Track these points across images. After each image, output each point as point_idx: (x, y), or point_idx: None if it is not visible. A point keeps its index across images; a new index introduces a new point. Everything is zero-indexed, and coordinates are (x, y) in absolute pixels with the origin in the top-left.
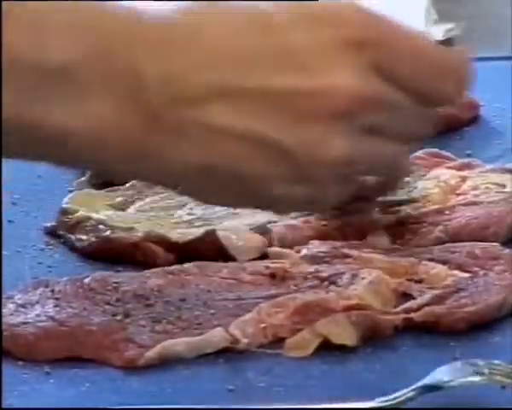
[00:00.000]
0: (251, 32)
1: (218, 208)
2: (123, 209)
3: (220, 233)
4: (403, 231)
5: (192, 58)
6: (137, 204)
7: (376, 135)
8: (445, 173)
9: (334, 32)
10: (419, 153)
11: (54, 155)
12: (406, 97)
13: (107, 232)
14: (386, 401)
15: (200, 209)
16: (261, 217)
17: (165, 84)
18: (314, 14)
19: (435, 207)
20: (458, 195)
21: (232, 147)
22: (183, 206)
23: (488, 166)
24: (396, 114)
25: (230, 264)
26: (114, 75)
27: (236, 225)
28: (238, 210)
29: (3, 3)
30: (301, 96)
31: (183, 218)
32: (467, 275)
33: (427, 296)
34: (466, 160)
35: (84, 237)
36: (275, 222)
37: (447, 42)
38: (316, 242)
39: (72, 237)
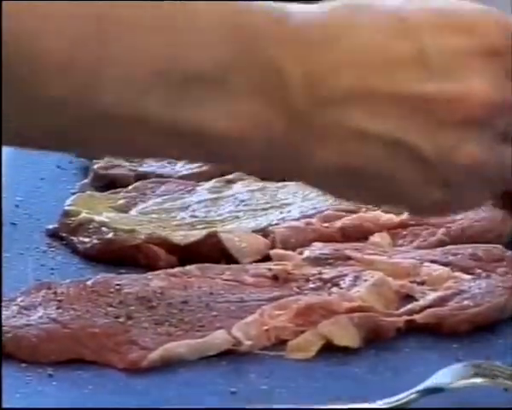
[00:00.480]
0: (389, 34)
1: (220, 211)
2: (125, 211)
3: (223, 235)
4: (405, 232)
5: (334, 60)
6: (140, 206)
7: (508, 141)
8: None
9: (470, 40)
10: None
11: (199, 153)
12: None
13: (110, 235)
14: (389, 402)
15: (202, 212)
16: (263, 219)
17: (308, 84)
18: (452, 20)
19: None
20: None
21: (371, 149)
22: (186, 208)
23: None
24: None
25: (233, 266)
26: (261, 75)
27: (239, 227)
28: (241, 213)
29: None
30: (439, 102)
31: (185, 220)
32: (469, 277)
33: (430, 298)
34: None
35: (86, 240)
36: (277, 224)
37: None
38: (318, 244)
39: (75, 239)
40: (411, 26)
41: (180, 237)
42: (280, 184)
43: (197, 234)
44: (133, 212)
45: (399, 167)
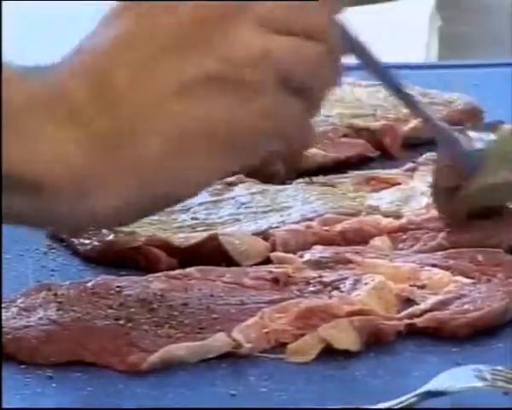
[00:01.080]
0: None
1: (221, 213)
2: None
3: (223, 238)
4: (405, 236)
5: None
6: None
7: (289, 91)
8: None
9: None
10: (421, 158)
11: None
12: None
13: (110, 236)
14: (389, 406)
15: (203, 214)
16: (264, 222)
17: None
18: None
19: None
20: None
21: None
22: (187, 210)
23: None
24: (301, 61)
25: (233, 269)
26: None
27: (239, 229)
28: (241, 215)
29: None
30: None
31: (186, 222)
32: (470, 281)
33: (430, 302)
34: None
35: (86, 241)
36: (277, 227)
37: None
38: (319, 247)
39: (75, 240)
40: None
41: (181, 239)
42: (280, 187)
43: (198, 236)
44: None
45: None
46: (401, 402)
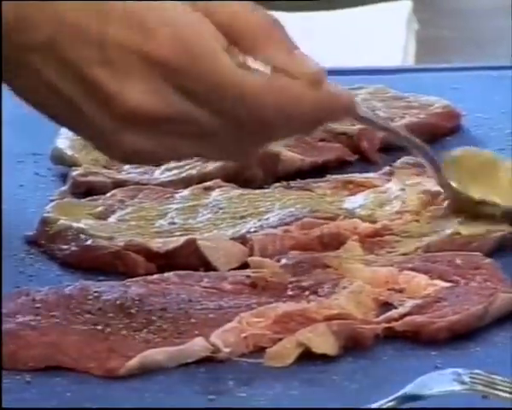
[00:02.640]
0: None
1: (199, 218)
2: (104, 218)
3: (201, 243)
4: (381, 242)
5: (46, 11)
6: (118, 213)
7: (176, 138)
8: (423, 183)
9: (142, 40)
10: (398, 162)
11: None
12: (208, 115)
13: (88, 241)
14: None
15: (181, 219)
16: (241, 227)
17: (17, 29)
18: (140, 18)
19: (412, 217)
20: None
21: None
22: (164, 215)
23: None
24: (198, 126)
25: (211, 273)
26: None
27: (217, 234)
28: (219, 220)
29: None
30: (94, 86)
31: (163, 227)
32: (448, 284)
33: (408, 306)
34: None
35: (65, 247)
36: (255, 232)
37: None
38: (295, 252)
39: (54, 246)
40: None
41: (159, 244)
42: (257, 191)
43: (176, 241)
44: (112, 219)
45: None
46: (380, 406)
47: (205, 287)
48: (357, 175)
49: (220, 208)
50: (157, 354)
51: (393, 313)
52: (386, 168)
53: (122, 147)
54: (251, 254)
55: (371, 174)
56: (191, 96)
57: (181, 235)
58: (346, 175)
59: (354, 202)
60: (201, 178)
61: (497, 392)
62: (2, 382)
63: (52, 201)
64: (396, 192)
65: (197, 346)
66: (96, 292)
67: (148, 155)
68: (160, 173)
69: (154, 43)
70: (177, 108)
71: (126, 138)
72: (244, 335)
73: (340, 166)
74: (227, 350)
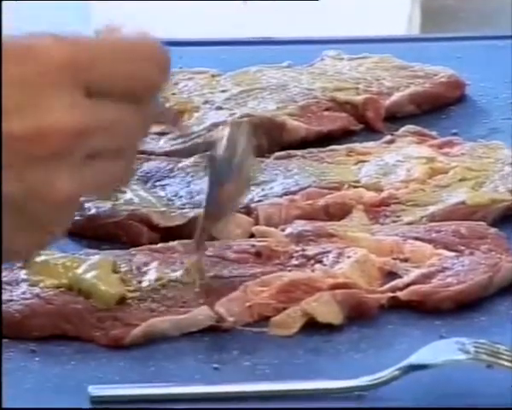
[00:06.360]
0: None
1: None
2: None
3: None
4: (386, 211)
5: None
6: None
7: (98, 158)
8: (423, 152)
9: (36, 67)
10: (401, 131)
11: None
12: (116, 106)
13: (92, 211)
14: (372, 379)
15: (184, 191)
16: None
17: None
18: (20, 47)
19: (418, 186)
20: (441, 174)
21: None
22: (167, 185)
23: (469, 144)
24: (113, 127)
25: (216, 242)
26: None
27: None
28: None
29: None
30: (21, 140)
31: (167, 199)
32: (453, 254)
33: (413, 275)
34: (447, 138)
35: None
36: (260, 201)
37: None
38: (301, 221)
39: None
40: None
41: (161, 220)
42: (262, 160)
43: (179, 218)
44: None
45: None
46: (384, 376)
47: (209, 256)
48: (357, 145)
49: None
50: (161, 322)
51: (398, 282)
52: (388, 137)
53: (61, 191)
54: (256, 224)
55: (372, 143)
56: (98, 91)
57: (182, 205)
58: (348, 145)
59: (358, 171)
60: (207, 147)
61: (501, 361)
62: (2, 382)
63: None
64: (398, 161)
65: (201, 315)
66: None
67: (85, 190)
68: (165, 142)
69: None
70: (94, 113)
71: (58, 183)
72: (248, 304)
73: (345, 135)
74: (231, 319)
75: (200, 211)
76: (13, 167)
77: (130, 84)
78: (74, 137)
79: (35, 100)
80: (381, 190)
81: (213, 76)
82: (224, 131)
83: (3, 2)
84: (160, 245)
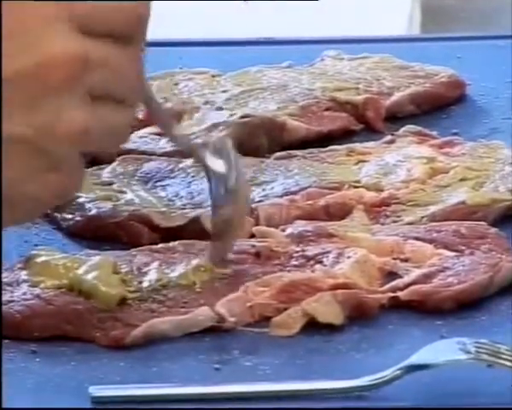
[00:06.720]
0: None
1: (203, 186)
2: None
3: (205, 219)
4: (386, 211)
5: None
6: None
7: (102, 101)
8: (424, 152)
9: (32, 6)
10: (401, 131)
11: None
12: (108, 44)
13: (93, 211)
14: (373, 379)
15: (184, 191)
16: None
17: None
18: None
19: (418, 186)
20: (442, 174)
21: None
22: (168, 186)
23: (470, 144)
24: (111, 68)
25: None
26: None
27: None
28: None
29: None
30: (26, 77)
31: (167, 200)
32: (453, 254)
33: (414, 275)
34: (448, 138)
35: (69, 216)
36: (260, 202)
37: None
38: (301, 221)
39: (58, 215)
40: None
41: (162, 221)
42: (262, 160)
43: (179, 218)
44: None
45: (14, 163)
46: (385, 376)
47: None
48: (357, 145)
49: None
50: (162, 323)
51: (398, 282)
52: (388, 137)
53: (73, 125)
54: (257, 224)
55: (372, 143)
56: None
57: (184, 208)
58: (348, 145)
59: (359, 171)
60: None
61: (502, 361)
62: (2, 382)
63: None
64: (398, 161)
65: (202, 315)
66: None
67: (92, 127)
68: (166, 143)
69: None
70: (91, 49)
71: (71, 116)
72: (249, 304)
73: (345, 135)
74: (232, 320)
75: (201, 211)
76: (19, 108)
77: (115, 17)
78: (75, 67)
79: (33, 39)
80: (382, 190)
81: (214, 76)
82: (208, 150)
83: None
84: (160, 246)
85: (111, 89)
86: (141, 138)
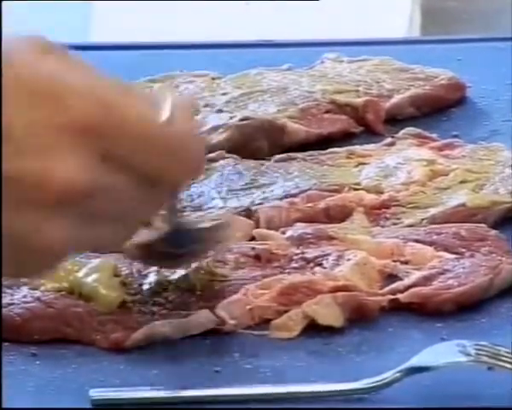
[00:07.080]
0: None
1: (203, 189)
2: None
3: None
4: (386, 213)
5: None
6: None
7: (97, 218)
8: (424, 154)
9: (62, 114)
10: (401, 133)
11: None
12: (130, 179)
13: None
14: (373, 382)
15: (184, 193)
16: (246, 199)
17: None
18: (45, 89)
19: (418, 188)
20: (442, 176)
21: None
22: None
23: (470, 146)
24: (119, 196)
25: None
26: None
27: (222, 210)
28: (222, 193)
29: None
30: (17, 182)
31: None
32: (453, 256)
33: (414, 277)
34: (448, 140)
35: None
36: (260, 204)
37: None
38: (301, 223)
39: None
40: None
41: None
42: (262, 163)
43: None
44: None
45: None
46: (385, 378)
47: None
48: (357, 147)
49: (224, 180)
50: (162, 326)
51: (399, 284)
52: (388, 139)
53: (48, 241)
54: (257, 227)
55: (372, 145)
56: (116, 160)
57: (183, 210)
58: (348, 147)
59: (359, 173)
60: (207, 150)
61: (502, 363)
62: (2, 382)
63: None
64: (398, 163)
65: (202, 318)
66: None
67: (73, 246)
68: None
69: (72, 111)
70: (104, 179)
71: (52, 227)
72: (249, 307)
73: (345, 138)
74: (232, 322)
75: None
76: (9, 207)
77: (149, 170)
78: (73, 192)
79: (49, 146)
80: (382, 193)
81: (213, 79)
82: None
83: (3, 3)
84: None
85: (113, 213)
86: None
